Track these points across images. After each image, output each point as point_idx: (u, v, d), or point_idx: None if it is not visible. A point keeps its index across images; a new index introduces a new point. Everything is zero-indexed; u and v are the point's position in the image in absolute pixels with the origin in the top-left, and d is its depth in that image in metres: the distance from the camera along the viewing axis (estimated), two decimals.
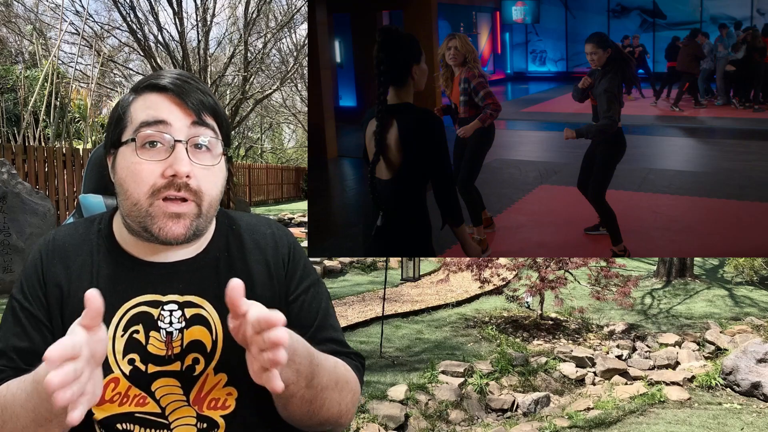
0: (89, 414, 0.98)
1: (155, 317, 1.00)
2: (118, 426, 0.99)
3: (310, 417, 0.99)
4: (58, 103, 10.31)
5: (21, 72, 12.06)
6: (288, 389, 0.93)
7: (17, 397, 0.88)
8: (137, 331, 0.99)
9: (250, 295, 1.05)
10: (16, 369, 0.97)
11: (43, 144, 9.85)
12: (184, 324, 1.01)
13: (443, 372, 5.36)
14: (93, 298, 0.73)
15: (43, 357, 0.69)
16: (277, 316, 0.76)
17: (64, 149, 8.53)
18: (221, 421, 1.01)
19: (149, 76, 1.02)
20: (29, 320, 0.99)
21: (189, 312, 1.01)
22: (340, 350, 1.09)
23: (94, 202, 1.22)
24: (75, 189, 8.37)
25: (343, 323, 6.57)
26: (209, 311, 1.02)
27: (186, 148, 0.95)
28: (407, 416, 4.55)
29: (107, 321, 0.99)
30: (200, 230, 1.00)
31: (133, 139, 0.95)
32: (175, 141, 0.94)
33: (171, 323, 1.00)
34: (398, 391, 4.80)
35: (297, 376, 0.92)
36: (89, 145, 9.99)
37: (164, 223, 0.95)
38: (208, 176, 0.98)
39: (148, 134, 0.94)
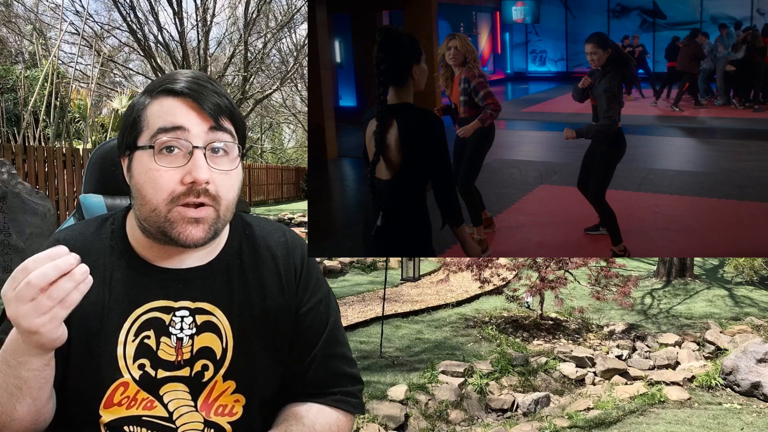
0: (96, 416, 0.98)
1: (166, 323, 1.00)
2: (125, 429, 0.99)
3: None
4: (58, 103, 10.30)
5: (21, 72, 12.05)
6: None
7: None
8: (148, 337, 0.99)
9: (261, 304, 1.04)
10: None
11: (43, 144, 9.84)
12: (194, 330, 1.01)
13: (443, 372, 5.36)
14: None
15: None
16: None
17: (64, 149, 8.52)
18: (228, 428, 1.02)
19: (163, 78, 1.00)
20: None
21: (200, 319, 1.01)
22: (343, 371, 1.11)
23: (95, 202, 1.22)
24: (75, 189, 8.36)
25: (343, 323, 6.55)
26: (220, 318, 1.02)
27: (204, 154, 0.94)
28: (407, 416, 4.55)
29: (119, 325, 0.99)
30: (218, 233, 1.00)
31: (151, 146, 0.94)
32: (194, 147, 0.93)
33: (182, 329, 1.00)
34: (398, 391, 4.80)
35: None
36: (89, 145, 9.99)
37: (184, 227, 0.94)
38: (226, 180, 0.97)
39: (165, 141, 0.93)
